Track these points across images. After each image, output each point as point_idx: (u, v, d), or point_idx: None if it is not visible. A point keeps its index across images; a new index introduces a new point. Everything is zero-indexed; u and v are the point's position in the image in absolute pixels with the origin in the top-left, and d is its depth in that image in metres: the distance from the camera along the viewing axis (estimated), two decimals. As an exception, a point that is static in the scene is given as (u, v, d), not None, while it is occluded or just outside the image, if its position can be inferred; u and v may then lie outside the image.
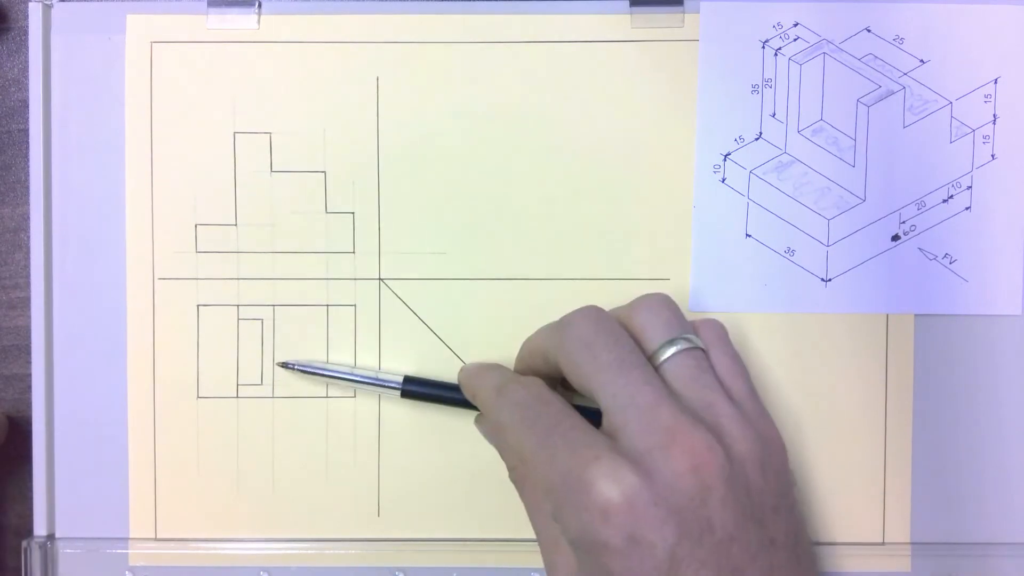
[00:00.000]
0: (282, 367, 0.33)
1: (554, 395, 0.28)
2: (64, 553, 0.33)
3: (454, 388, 0.32)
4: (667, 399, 0.25)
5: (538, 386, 0.28)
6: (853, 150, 0.33)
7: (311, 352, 0.33)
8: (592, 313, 0.28)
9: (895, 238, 0.33)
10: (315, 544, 0.33)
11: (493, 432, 0.31)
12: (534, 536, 0.28)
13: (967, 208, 0.33)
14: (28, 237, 0.33)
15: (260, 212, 0.33)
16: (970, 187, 0.33)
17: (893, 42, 0.33)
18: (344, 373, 0.33)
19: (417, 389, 0.32)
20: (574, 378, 0.27)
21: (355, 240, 0.33)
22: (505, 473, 0.30)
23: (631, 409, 0.25)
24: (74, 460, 0.33)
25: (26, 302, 0.34)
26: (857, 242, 0.33)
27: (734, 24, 0.33)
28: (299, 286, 0.33)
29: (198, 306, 0.33)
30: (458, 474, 0.33)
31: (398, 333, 0.33)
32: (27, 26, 0.33)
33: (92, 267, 0.33)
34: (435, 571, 0.33)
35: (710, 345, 0.28)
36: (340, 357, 0.33)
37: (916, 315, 0.33)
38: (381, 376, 0.32)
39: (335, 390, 0.33)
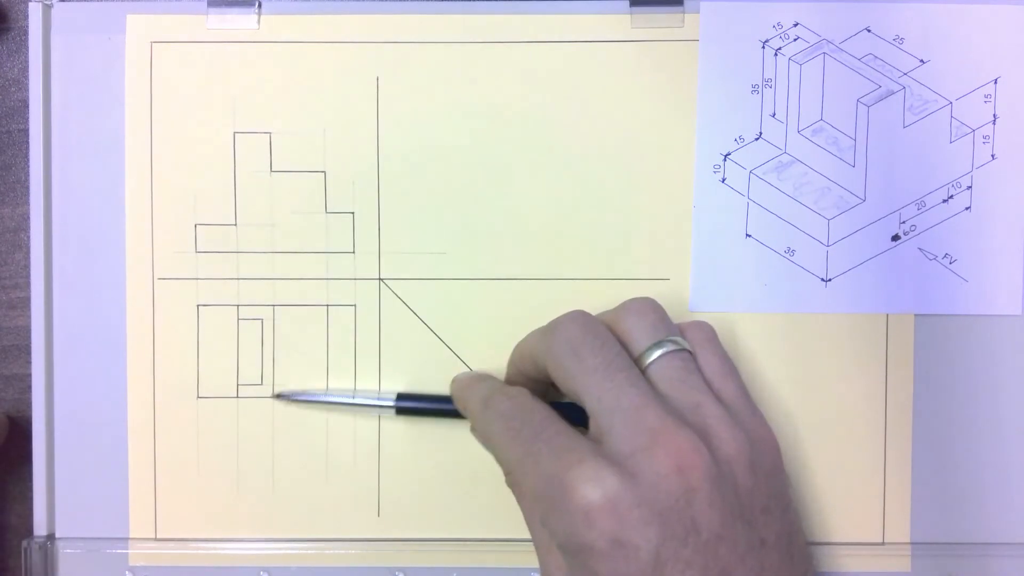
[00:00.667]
0: (277, 398, 0.33)
1: (539, 403, 0.28)
2: (64, 553, 0.33)
3: (448, 400, 0.32)
4: (653, 401, 0.25)
5: (523, 395, 0.28)
6: (853, 150, 0.33)
7: (311, 353, 0.33)
8: (579, 317, 0.28)
9: (895, 238, 0.33)
10: (315, 544, 0.33)
11: (483, 443, 0.31)
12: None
13: (967, 208, 0.33)
14: (28, 237, 0.33)
15: (260, 212, 0.33)
16: (970, 187, 0.33)
17: (893, 42, 0.33)
18: (339, 398, 0.33)
19: (411, 405, 0.32)
20: (561, 382, 0.27)
21: (355, 240, 0.33)
22: (502, 473, 0.30)
23: (616, 412, 0.25)
24: (74, 460, 0.33)
25: (26, 302, 0.34)
26: (857, 242, 0.33)
27: (734, 24, 0.33)
28: (299, 286, 0.33)
29: (198, 306, 0.33)
30: (458, 474, 0.33)
31: (398, 333, 0.33)
32: (27, 26, 0.33)
33: (92, 267, 0.33)
34: (435, 571, 0.33)
35: (698, 346, 0.28)
36: (340, 358, 0.33)
37: (916, 315, 0.33)
38: (375, 398, 0.32)
39: (335, 389, 0.33)
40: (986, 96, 0.33)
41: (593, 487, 0.24)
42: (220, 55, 0.33)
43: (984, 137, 0.33)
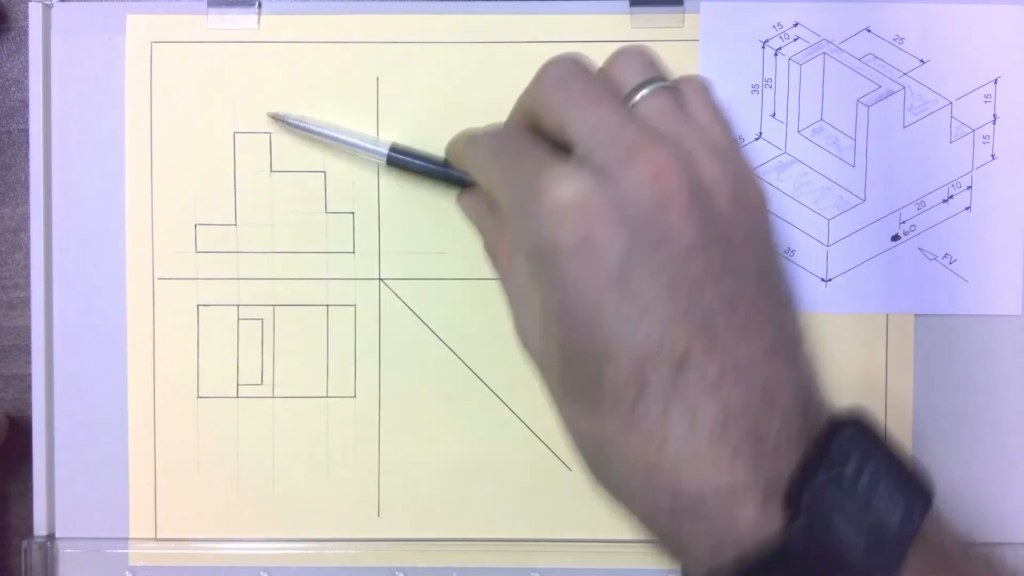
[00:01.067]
0: (273, 119, 0.33)
1: (526, 130, 0.27)
2: (64, 553, 0.33)
3: (442, 163, 0.32)
4: (635, 123, 0.24)
5: (511, 126, 0.28)
6: (853, 150, 0.33)
7: (311, 353, 0.33)
8: (569, 56, 0.27)
9: (895, 238, 0.33)
10: (315, 544, 0.33)
11: (473, 172, 0.30)
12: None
13: (967, 208, 0.33)
14: (28, 237, 0.33)
15: (260, 212, 0.33)
16: (970, 187, 0.33)
17: (893, 42, 0.33)
18: (332, 133, 0.32)
19: (404, 158, 0.32)
20: (548, 119, 0.26)
21: (355, 240, 0.33)
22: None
23: (597, 130, 0.24)
24: (74, 460, 0.33)
25: (26, 302, 0.34)
26: (857, 242, 0.33)
27: (734, 24, 0.33)
28: (299, 286, 0.33)
29: (198, 306, 0.33)
30: (458, 474, 0.33)
31: (398, 333, 0.33)
32: (27, 26, 0.33)
33: (92, 267, 0.33)
34: (435, 571, 0.33)
35: (691, 91, 0.27)
36: (340, 358, 0.33)
37: (916, 315, 0.33)
38: (369, 142, 0.32)
39: (335, 389, 0.33)
40: (986, 96, 0.33)
41: (566, 185, 0.23)
42: (220, 55, 0.33)
43: (984, 137, 0.33)
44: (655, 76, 0.26)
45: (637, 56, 0.27)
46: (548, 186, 0.23)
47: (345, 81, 0.33)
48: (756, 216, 0.25)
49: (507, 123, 0.30)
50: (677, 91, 0.26)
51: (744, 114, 0.33)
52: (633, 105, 0.26)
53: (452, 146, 0.31)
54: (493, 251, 0.30)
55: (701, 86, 0.27)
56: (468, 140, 0.30)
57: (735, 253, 0.23)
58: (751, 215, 0.24)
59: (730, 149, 0.26)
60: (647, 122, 0.25)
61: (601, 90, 0.25)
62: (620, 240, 0.22)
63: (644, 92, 0.26)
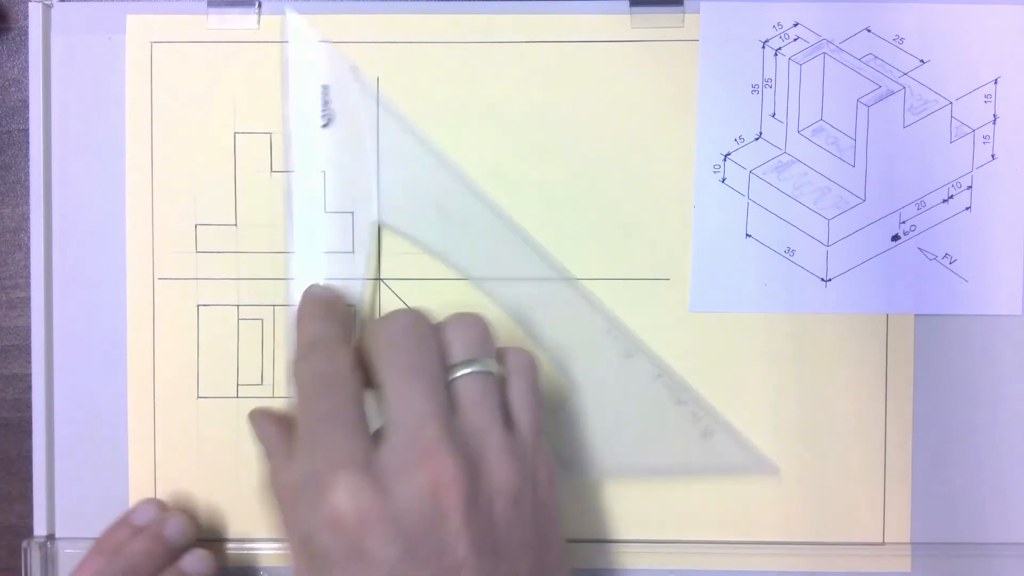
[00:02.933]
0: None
1: (353, 378, 0.27)
2: (64, 553, 0.33)
3: None
4: (436, 419, 0.25)
5: (343, 362, 0.27)
6: (853, 150, 0.33)
7: (311, 352, 0.33)
8: (410, 315, 0.28)
9: (895, 238, 0.33)
10: (315, 544, 0.33)
11: (263, 426, 0.28)
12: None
13: (967, 208, 0.33)
14: (28, 237, 0.33)
15: (260, 212, 0.33)
16: (970, 187, 0.33)
17: (893, 42, 0.33)
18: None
19: None
20: (375, 376, 0.27)
21: (355, 240, 0.33)
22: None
23: (400, 423, 0.25)
24: (74, 460, 0.33)
25: (26, 302, 0.34)
26: (857, 242, 0.33)
27: (734, 24, 0.33)
28: (299, 286, 0.33)
29: (198, 306, 0.33)
30: (458, 474, 0.33)
31: (398, 333, 0.33)
32: (27, 26, 0.33)
33: (92, 267, 0.33)
34: (435, 571, 0.33)
35: (513, 373, 0.28)
36: (340, 357, 0.33)
37: (916, 315, 0.33)
38: None
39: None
40: (986, 96, 0.33)
41: (347, 496, 0.24)
42: (220, 55, 0.33)
43: (984, 137, 0.33)
44: (479, 355, 0.27)
45: (468, 329, 0.28)
46: (334, 488, 0.24)
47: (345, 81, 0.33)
48: (538, 515, 0.26)
49: (342, 357, 0.27)
50: (492, 377, 0.27)
51: (744, 114, 0.33)
52: (451, 381, 0.27)
53: (298, 315, 0.29)
54: (277, 491, 0.27)
55: (524, 363, 0.28)
56: (300, 349, 0.28)
57: (511, 561, 0.25)
58: (533, 515, 0.26)
59: (531, 437, 0.27)
60: (459, 407, 0.26)
61: (422, 367, 0.26)
62: (392, 552, 0.24)
63: (462, 372, 0.27)
